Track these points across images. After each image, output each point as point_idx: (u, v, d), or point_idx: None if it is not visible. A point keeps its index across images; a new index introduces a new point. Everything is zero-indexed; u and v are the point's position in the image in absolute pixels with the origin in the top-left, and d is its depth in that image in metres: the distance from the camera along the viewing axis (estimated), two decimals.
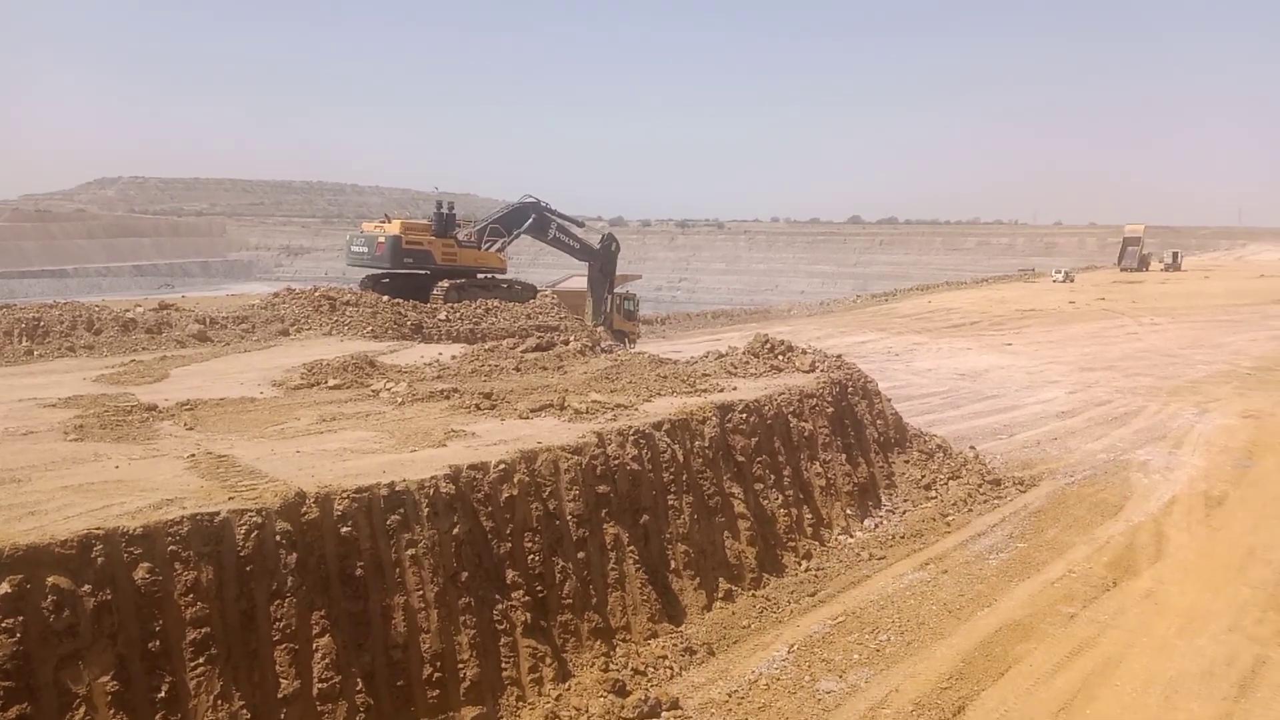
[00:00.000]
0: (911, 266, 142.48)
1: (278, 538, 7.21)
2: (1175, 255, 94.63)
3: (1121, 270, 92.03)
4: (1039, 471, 17.28)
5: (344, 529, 7.70)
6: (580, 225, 38.89)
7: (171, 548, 6.71)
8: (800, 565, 12.32)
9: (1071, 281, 77.38)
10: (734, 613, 10.78)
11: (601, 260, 38.74)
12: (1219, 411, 22.93)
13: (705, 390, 13.95)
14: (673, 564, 10.73)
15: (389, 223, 33.44)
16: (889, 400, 17.65)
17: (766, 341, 17.74)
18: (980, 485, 15.85)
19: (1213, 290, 65.12)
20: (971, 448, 18.04)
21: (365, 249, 32.47)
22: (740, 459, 12.55)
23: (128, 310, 22.60)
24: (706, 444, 12.04)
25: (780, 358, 17.10)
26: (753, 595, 11.27)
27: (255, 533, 7.09)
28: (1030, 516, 14.63)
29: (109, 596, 6.37)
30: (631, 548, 10.21)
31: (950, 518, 14.46)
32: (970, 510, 14.83)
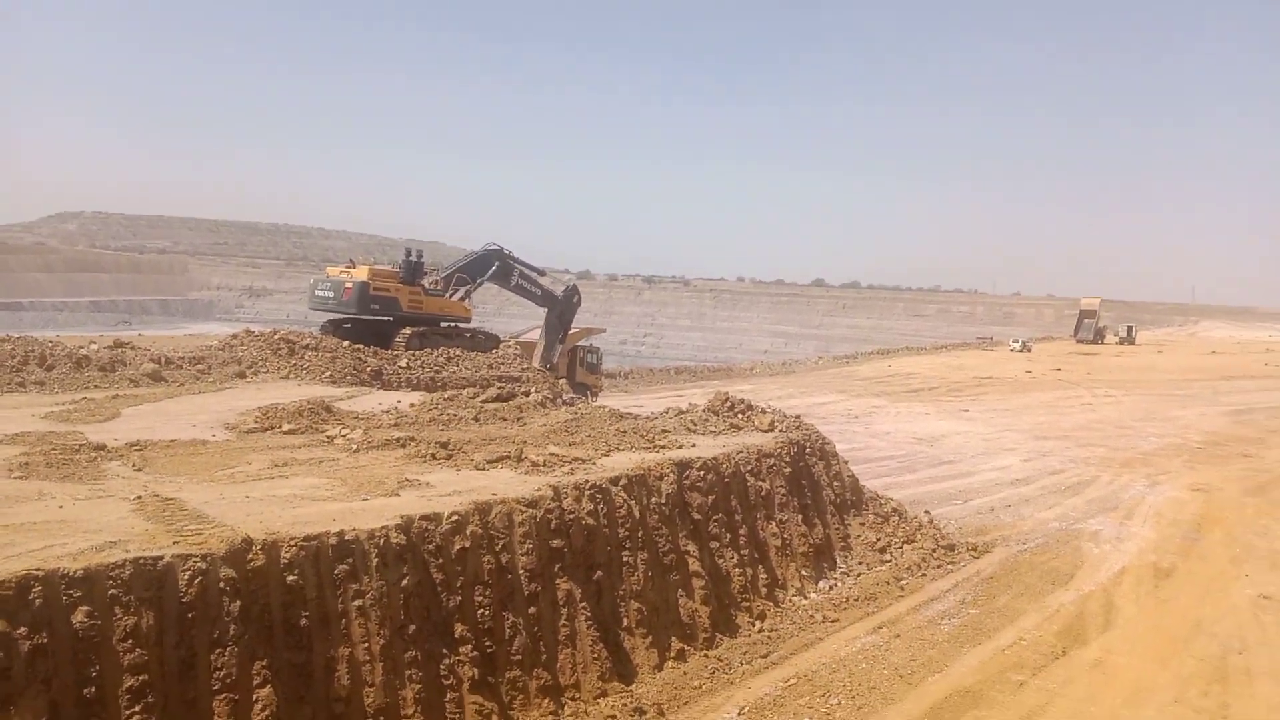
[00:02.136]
0: (873, 330, 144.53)
1: (222, 584, 7.07)
2: (1130, 329, 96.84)
3: (1077, 342, 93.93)
4: (992, 538, 17.42)
5: (290, 577, 7.57)
6: (542, 274, 39.10)
7: (112, 591, 6.56)
8: (754, 626, 12.26)
9: (1029, 351, 78.76)
10: (686, 673, 10.68)
11: (561, 308, 38.90)
12: (1169, 484, 23.32)
13: (664, 446, 13.96)
14: (625, 621, 10.64)
15: (355, 268, 33.36)
16: (847, 462, 17.76)
17: (727, 400, 17.84)
18: (934, 550, 15.94)
19: (1165, 365, 66.58)
20: (926, 512, 18.16)
21: (331, 293, 32.31)
22: (697, 517, 12.53)
23: (82, 347, 22.22)
24: (663, 500, 12.03)
25: (740, 416, 17.18)
26: (705, 655, 11.18)
27: (199, 579, 6.95)
28: (983, 583, 14.72)
29: (45, 640, 6.20)
30: (584, 604, 10.11)
31: (904, 582, 14.50)
32: (924, 575, 14.89)
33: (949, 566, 15.41)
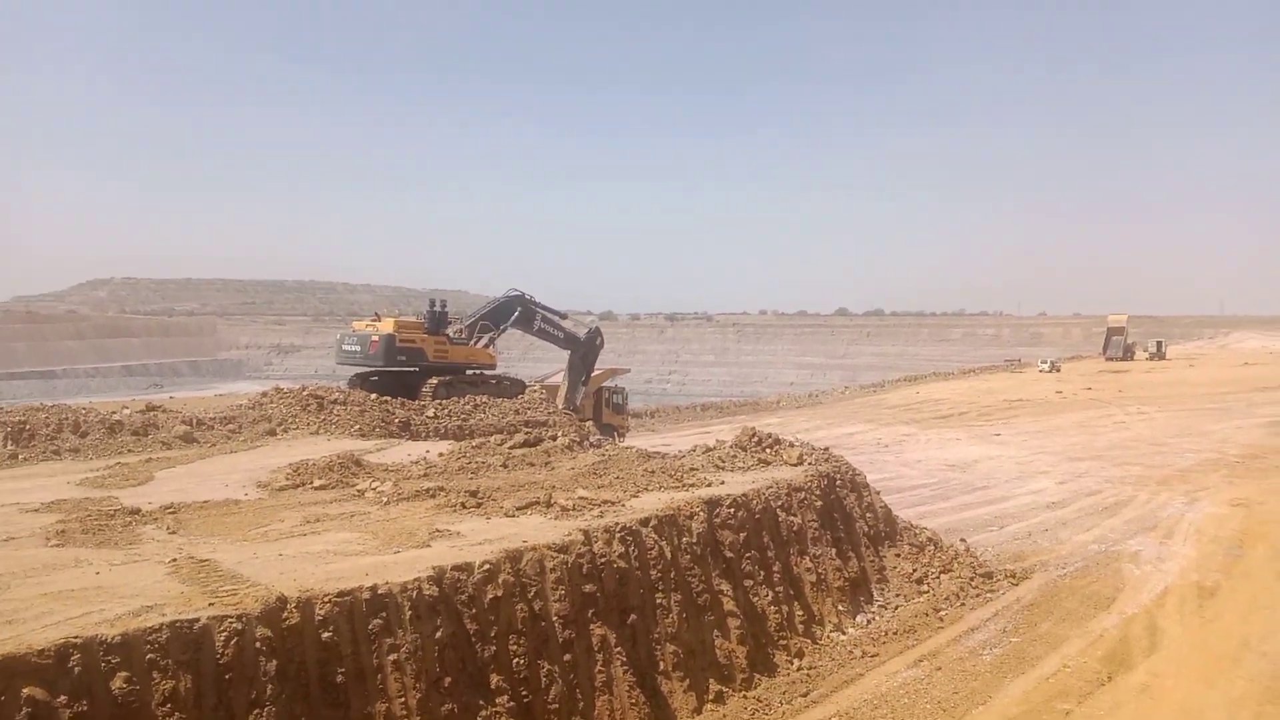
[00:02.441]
0: (898, 357, 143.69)
1: (258, 644, 7.11)
2: (1160, 344, 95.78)
3: (1107, 360, 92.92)
4: (1030, 564, 17.17)
5: (325, 634, 7.60)
6: (564, 317, 39.27)
7: (150, 656, 6.61)
8: (792, 664, 12.12)
9: (1058, 371, 78.04)
10: (725, 715, 10.56)
11: (584, 350, 39.02)
12: (1208, 500, 22.92)
13: (693, 485, 13.93)
14: (661, 665, 10.56)
15: (380, 321, 33.68)
16: (878, 493, 17.61)
17: (754, 435, 17.79)
18: (972, 579, 15.72)
19: (1198, 379, 65.69)
20: (962, 540, 17.93)
21: (358, 347, 32.62)
22: (729, 555, 12.46)
23: (114, 412, 22.55)
24: (694, 540, 11.97)
25: (768, 451, 17.12)
26: (744, 696, 11.05)
27: (235, 639, 6.99)
28: (1023, 610, 14.48)
29: (85, 707, 6.25)
30: (619, 649, 10.06)
31: (943, 612, 14.30)
32: (963, 604, 14.68)
33: (988, 595, 15.18)
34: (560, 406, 35.58)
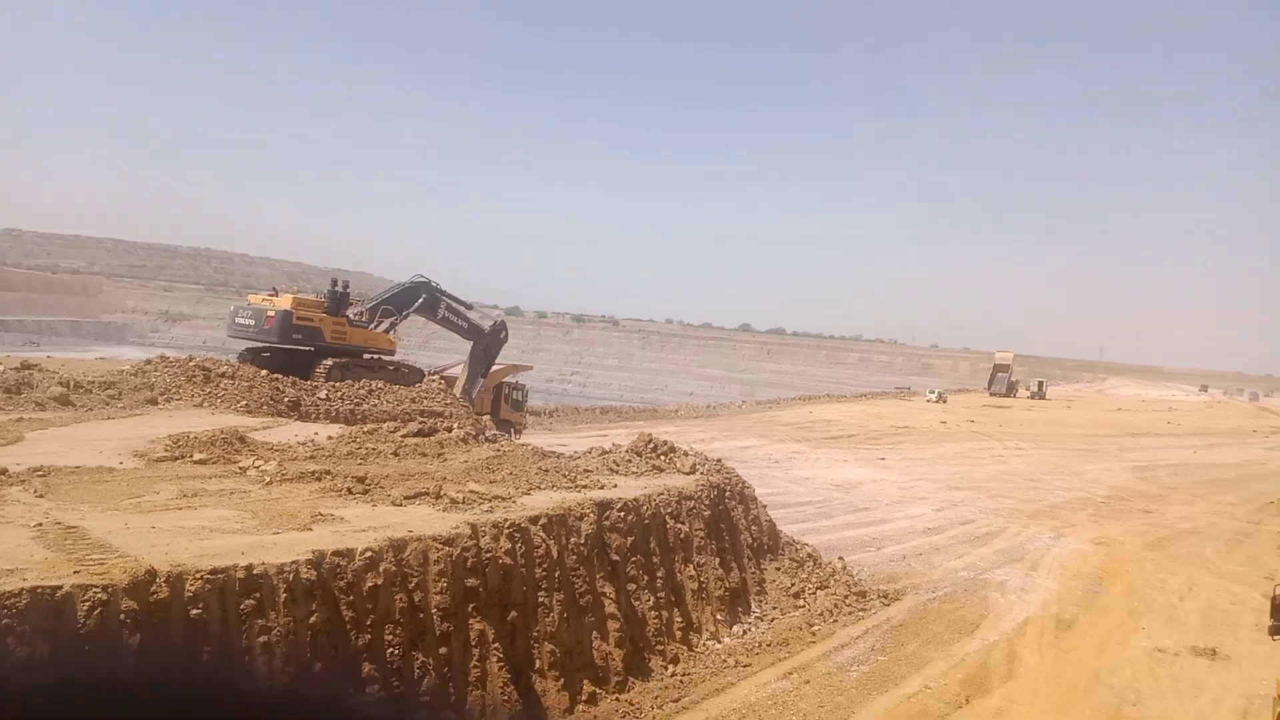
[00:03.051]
0: (796, 376, 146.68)
1: (122, 617, 6.88)
2: (1041, 384, 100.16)
3: (991, 395, 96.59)
4: (903, 586, 17.79)
5: (194, 611, 7.40)
6: (470, 308, 38.88)
7: (6, 621, 6.34)
8: (667, 670, 12.31)
9: (944, 402, 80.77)
10: (596, 716, 10.68)
11: (487, 342, 38.72)
12: (1074, 537, 24.12)
13: (586, 486, 14.01)
14: (538, 663, 10.60)
15: (278, 296, 32.76)
16: (765, 507, 18.01)
17: (650, 441, 17.98)
18: (847, 596, 16.21)
19: (1074, 420, 68.96)
20: (841, 558, 18.47)
21: (252, 321, 31.62)
22: (615, 558, 12.58)
23: None
24: (582, 541, 12.05)
25: (662, 458, 17.33)
26: (616, 699, 11.18)
27: (98, 610, 6.76)
28: (892, 630, 15.01)
29: None
30: (497, 644, 10.06)
31: (816, 627, 14.72)
32: (836, 621, 15.13)
33: (860, 613, 15.69)
34: (458, 396, 35.22)
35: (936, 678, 12.98)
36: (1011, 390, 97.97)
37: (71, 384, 20.71)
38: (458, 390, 36.32)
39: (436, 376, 36.35)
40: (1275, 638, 15.96)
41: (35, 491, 10.47)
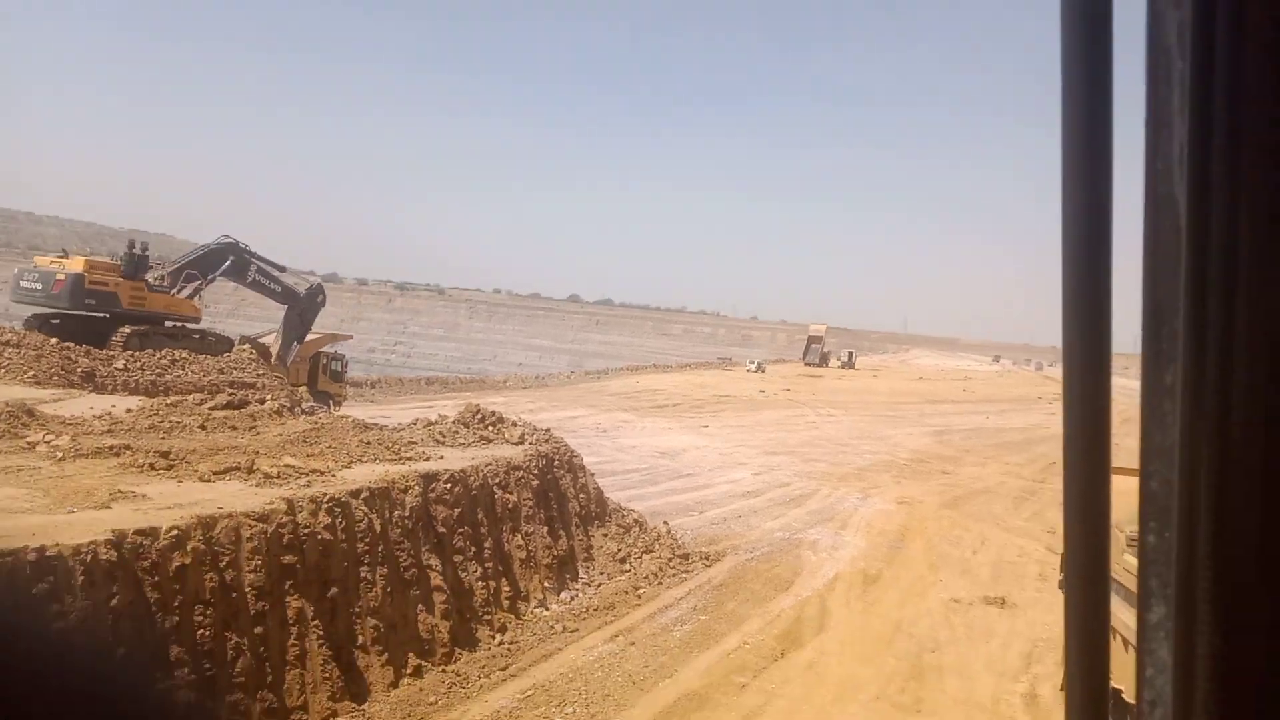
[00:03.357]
0: (624, 347, 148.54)
1: None
2: (850, 355, 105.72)
3: (805, 365, 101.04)
4: (723, 547, 18.41)
5: None
6: (282, 270, 37.00)
7: None
8: (494, 639, 12.27)
9: (763, 372, 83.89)
10: (422, 689, 10.51)
11: (303, 306, 37.08)
12: (879, 497, 25.64)
13: (411, 458, 13.71)
14: (360, 639, 10.33)
15: (69, 258, 30.20)
16: (593, 475, 18.18)
17: (477, 412, 17.78)
18: (671, 559, 16.63)
19: (880, 388, 73.18)
20: (665, 523, 18.90)
21: (39, 285, 29.00)
22: (441, 530, 12.39)
23: None
24: (407, 514, 11.79)
25: (490, 429, 17.18)
26: (443, 670, 11.06)
27: None
28: (713, 590, 15.52)
29: None
30: (316, 622, 9.72)
31: (641, 590, 15.03)
32: (660, 583, 15.50)
33: (683, 575, 16.13)
34: (272, 363, 33.66)
35: (754, 634, 13.52)
36: (824, 360, 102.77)
37: None
38: (273, 358, 34.68)
39: (248, 345, 34.56)
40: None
41: None
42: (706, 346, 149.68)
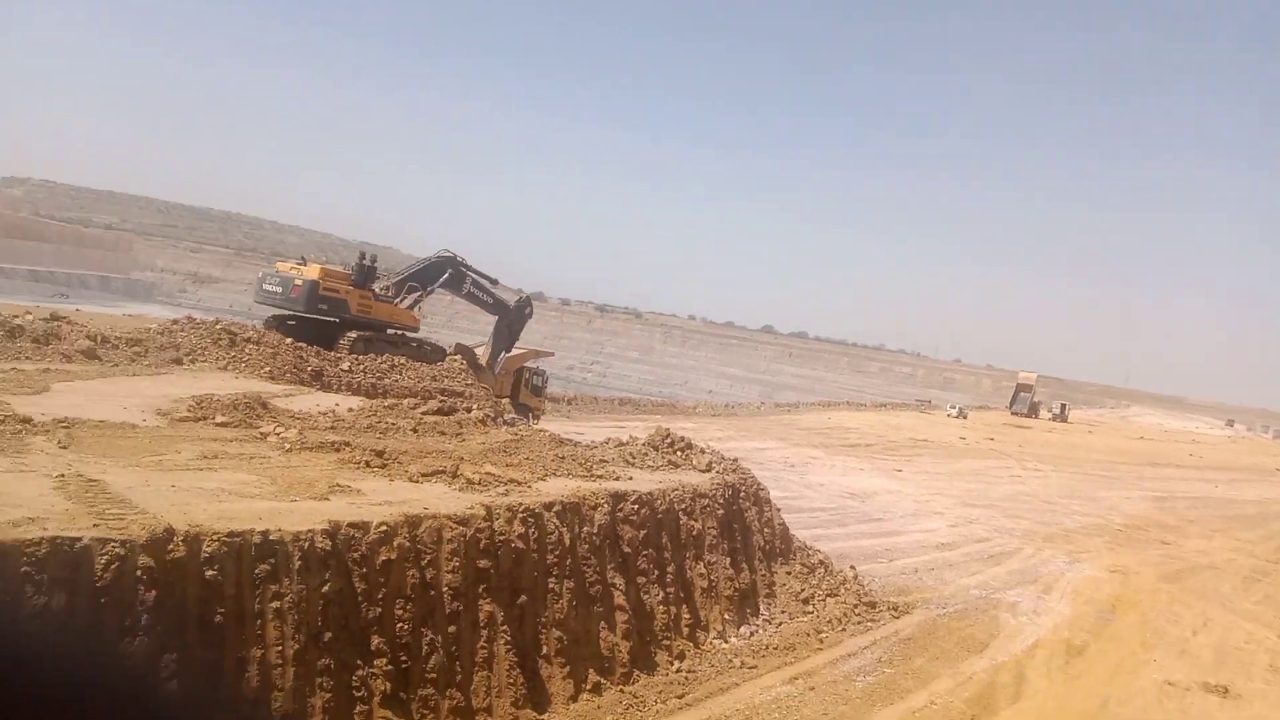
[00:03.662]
0: (817, 381, 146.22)
1: (139, 572, 6.91)
2: (1063, 407, 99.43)
3: (1012, 414, 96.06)
4: (914, 599, 17.67)
5: (210, 572, 7.42)
6: (494, 282, 38.78)
7: (25, 569, 6.37)
8: (672, 665, 12.27)
9: (964, 418, 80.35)
10: (599, 706, 10.64)
11: (511, 317, 38.75)
12: (1089, 563, 23.87)
13: (601, 476, 13.98)
14: (544, 649, 10.59)
15: (306, 265, 32.90)
16: (779, 510, 17.91)
17: (667, 436, 17.92)
18: (856, 606, 16.11)
19: (1095, 445, 68.34)
20: (852, 567, 18.36)
21: (279, 288, 31.76)
22: (627, 550, 12.54)
23: (16, 316, 21.56)
24: (595, 530, 12.02)
25: (679, 454, 17.27)
26: (621, 690, 11.15)
27: (116, 564, 6.79)
28: (900, 643, 14.90)
29: None
30: (505, 627, 10.05)
31: (824, 635, 14.63)
32: (844, 630, 15.04)
33: (869, 623, 15.58)
34: (481, 368, 35.41)
35: (943, 694, 12.87)
36: (1033, 411, 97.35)
37: (99, 339, 20.87)
38: (482, 362, 36.49)
39: (459, 357, 36.35)
40: None
41: (59, 443, 10.54)
42: (904, 387, 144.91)
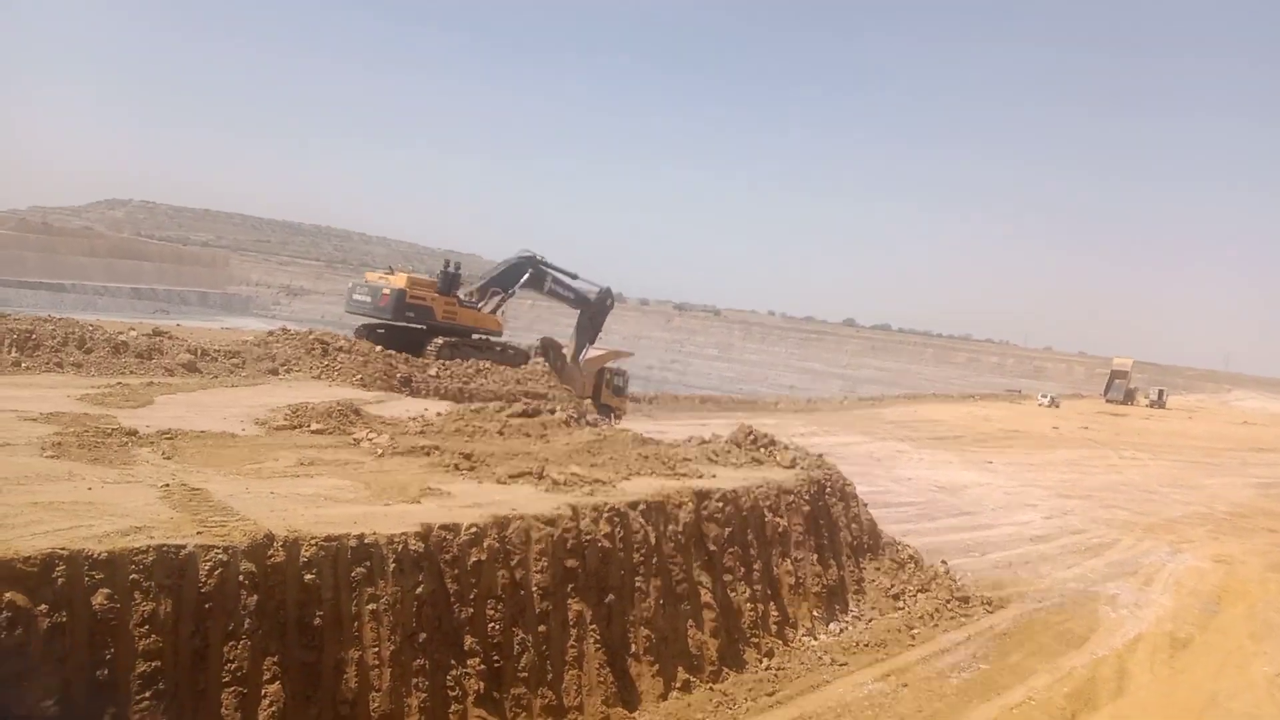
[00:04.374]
0: (901, 374, 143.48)
1: (241, 578, 7.17)
2: (1160, 393, 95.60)
3: (1107, 401, 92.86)
4: (1008, 594, 17.24)
5: (308, 576, 7.66)
6: (574, 277, 39.07)
7: (133, 576, 6.68)
8: (761, 663, 12.21)
9: (1057, 407, 77.98)
10: (689, 704, 10.64)
11: (594, 310, 39.05)
12: (1191, 553, 22.95)
13: (685, 475, 13.97)
14: (633, 648, 10.64)
15: (394, 275, 33.72)
16: (866, 505, 17.65)
17: (750, 433, 17.82)
18: (948, 601, 15.78)
19: (1195, 431, 65.61)
20: (943, 562, 17.99)
21: (368, 298, 32.65)
22: (712, 548, 12.52)
23: (121, 332, 22.58)
24: (680, 529, 12.03)
25: (762, 450, 17.16)
26: (710, 688, 11.14)
27: (219, 570, 7.06)
28: (995, 638, 14.56)
29: (64, 619, 6.31)
30: (594, 626, 10.13)
31: (916, 631, 14.38)
32: (936, 625, 14.75)
33: (962, 619, 15.26)
34: (567, 363, 35.84)
35: (1041, 690, 12.53)
36: (1129, 398, 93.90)
37: (199, 352, 21.72)
38: (567, 357, 36.91)
39: (540, 360, 36.75)
40: None
41: (163, 453, 11.02)
42: (993, 377, 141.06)
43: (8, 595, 6.11)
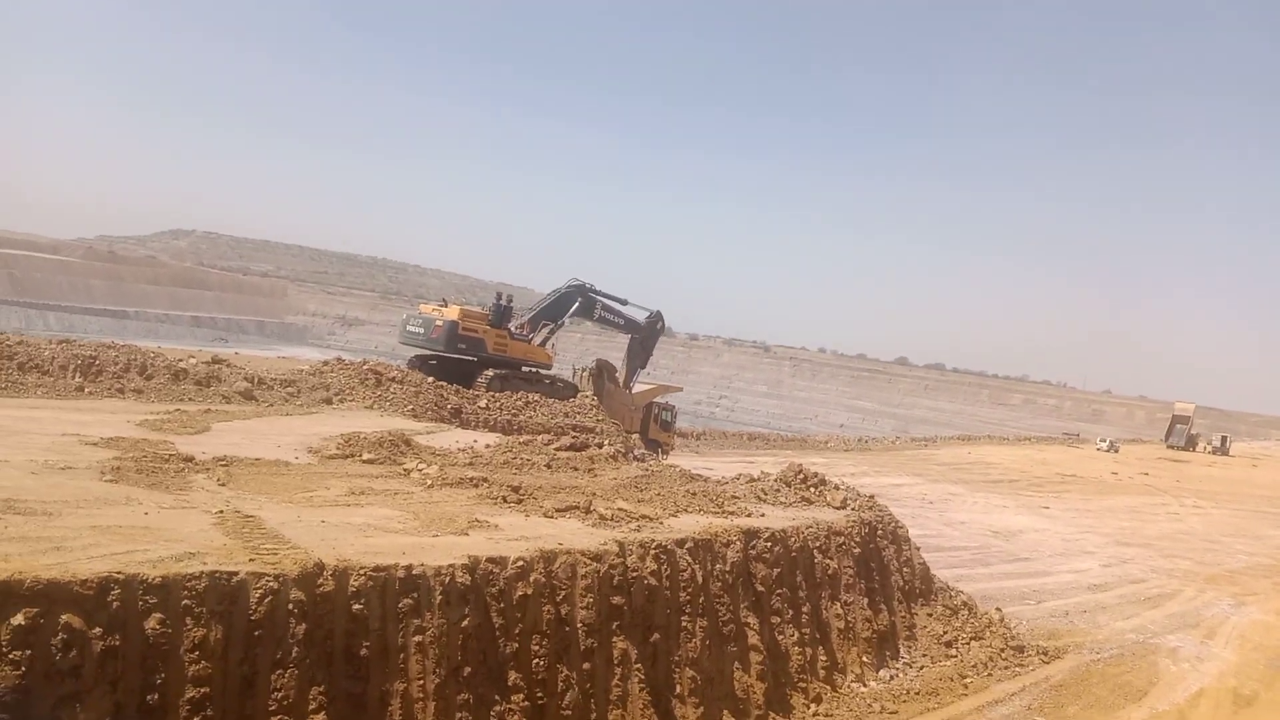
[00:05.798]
0: (955, 415, 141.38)
1: (290, 606, 7.22)
2: (1224, 439, 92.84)
3: (1168, 447, 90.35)
4: (1064, 643, 16.73)
5: (356, 606, 7.69)
6: (624, 303, 39.20)
7: (186, 601, 6.75)
8: (808, 708, 11.96)
9: (1116, 452, 76.07)
10: None
11: (644, 334, 39.12)
12: (1257, 606, 22.10)
13: (733, 513, 13.83)
14: (678, 688, 10.48)
15: (447, 307, 34.17)
16: (918, 549, 17.31)
17: (800, 472, 17.62)
18: (1003, 650, 15.35)
19: (1260, 480, 63.50)
20: (998, 609, 17.52)
21: (421, 329, 33.11)
22: (760, 589, 12.34)
23: (181, 360, 23.13)
24: (728, 568, 11.89)
25: (812, 490, 16.94)
26: None
27: (269, 598, 7.11)
28: (1051, 689, 14.11)
29: (117, 642, 6.40)
30: (639, 665, 10.01)
31: (969, 680, 13.99)
32: (990, 674, 14.35)
33: (1017, 669, 14.82)
34: (619, 387, 35.93)
35: None
36: (1191, 444, 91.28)
37: (256, 380, 22.14)
38: (620, 380, 37.01)
39: (590, 393, 36.84)
40: None
41: (218, 480, 11.19)
42: (1049, 420, 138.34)
43: (64, 617, 6.21)
